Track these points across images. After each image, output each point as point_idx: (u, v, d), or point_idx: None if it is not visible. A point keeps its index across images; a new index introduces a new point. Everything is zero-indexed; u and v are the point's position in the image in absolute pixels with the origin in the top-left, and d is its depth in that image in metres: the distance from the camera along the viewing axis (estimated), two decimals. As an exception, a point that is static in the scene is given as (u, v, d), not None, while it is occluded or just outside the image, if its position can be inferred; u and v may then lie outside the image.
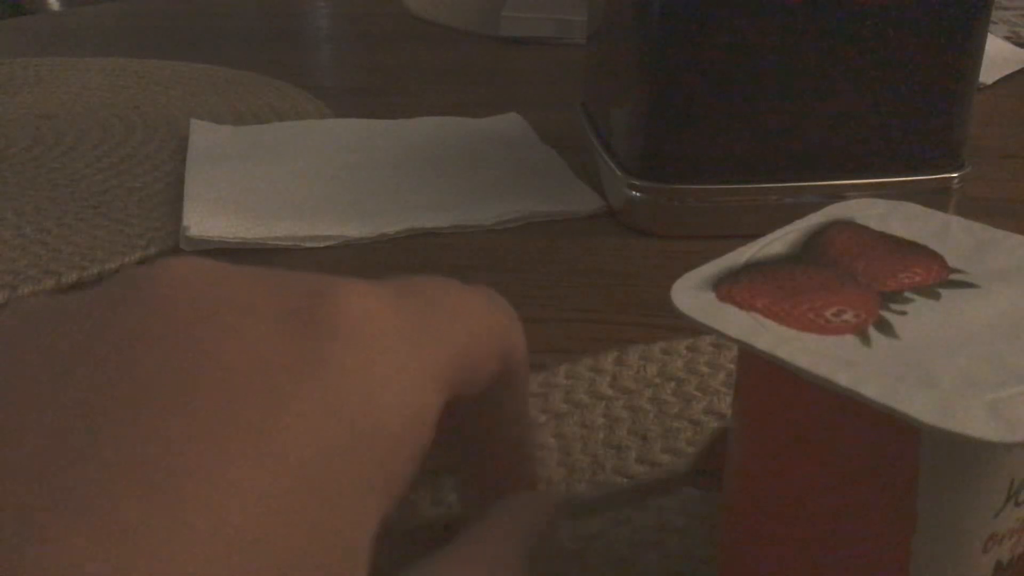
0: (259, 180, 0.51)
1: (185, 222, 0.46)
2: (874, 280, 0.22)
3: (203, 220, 0.46)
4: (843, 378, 0.18)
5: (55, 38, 0.83)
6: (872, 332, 0.20)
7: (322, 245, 0.46)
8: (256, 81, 0.69)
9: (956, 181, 0.48)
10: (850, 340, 0.19)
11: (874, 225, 0.24)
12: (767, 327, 0.20)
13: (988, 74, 0.69)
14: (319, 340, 0.16)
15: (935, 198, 0.47)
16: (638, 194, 0.47)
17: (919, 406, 0.17)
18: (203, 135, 0.57)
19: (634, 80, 0.47)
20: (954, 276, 0.22)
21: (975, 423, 0.17)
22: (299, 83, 0.69)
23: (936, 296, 0.21)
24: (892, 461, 0.19)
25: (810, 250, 0.23)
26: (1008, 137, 0.62)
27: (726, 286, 0.21)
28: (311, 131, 0.59)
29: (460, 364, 0.19)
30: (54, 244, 0.45)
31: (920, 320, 0.20)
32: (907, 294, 0.21)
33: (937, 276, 0.22)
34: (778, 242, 0.23)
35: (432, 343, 0.18)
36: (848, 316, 0.20)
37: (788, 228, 0.24)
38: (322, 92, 0.67)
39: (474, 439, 0.22)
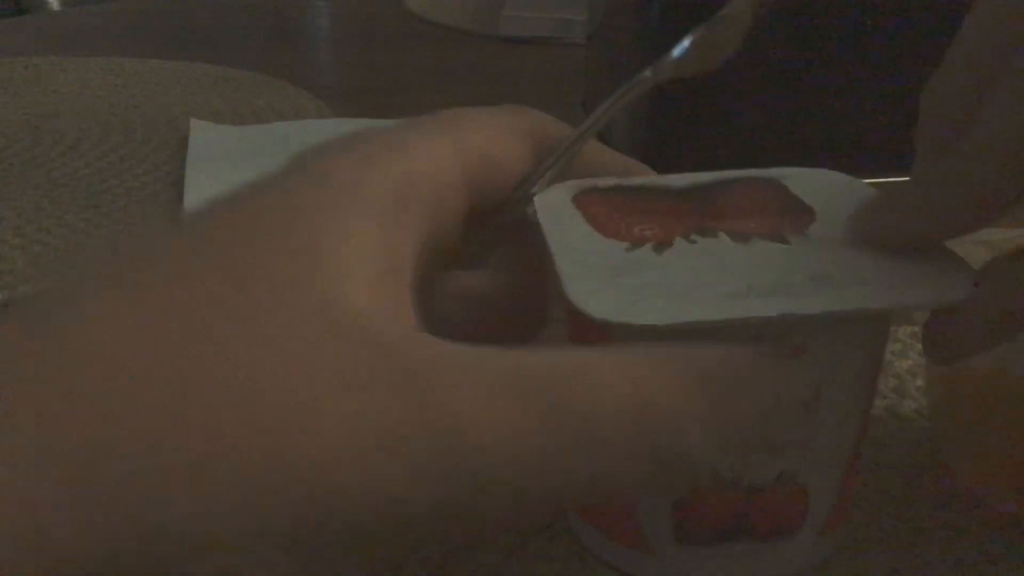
0: (259, 180, 0.51)
1: (185, 222, 0.46)
2: (716, 218, 0.24)
3: (203, 220, 0.46)
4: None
5: (55, 38, 0.83)
6: (647, 248, 0.22)
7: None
8: (256, 81, 0.69)
9: (956, 181, 0.48)
10: (623, 247, 0.22)
11: (794, 188, 0.26)
12: (580, 225, 0.23)
13: (988, 74, 0.69)
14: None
15: (935, 198, 0.47)
16: (638, 194, 0.47)
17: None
18: (203, 135, 0.57)
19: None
20: (796, 234, 0.23)
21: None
22: (299, 83, 0.69)
23: (745, 240, 0.23)
24: None
25: (704, 189, 0.25)
26: (1008, 137, 0.61)
27: (586, 195, 0.25)
28: (311, 131, 0.59)
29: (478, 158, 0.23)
30: (54, 244, 0.45)
31: (690, 252, 0.22)
32: (721, 235, 0.23)
33: (778, 228, 0.23)
34: (685, 178, 0.26)
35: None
36: (648, 233, 0.23)
37: (719, 174, 0.26)
38: (322, 92, 0.67)
39: None
